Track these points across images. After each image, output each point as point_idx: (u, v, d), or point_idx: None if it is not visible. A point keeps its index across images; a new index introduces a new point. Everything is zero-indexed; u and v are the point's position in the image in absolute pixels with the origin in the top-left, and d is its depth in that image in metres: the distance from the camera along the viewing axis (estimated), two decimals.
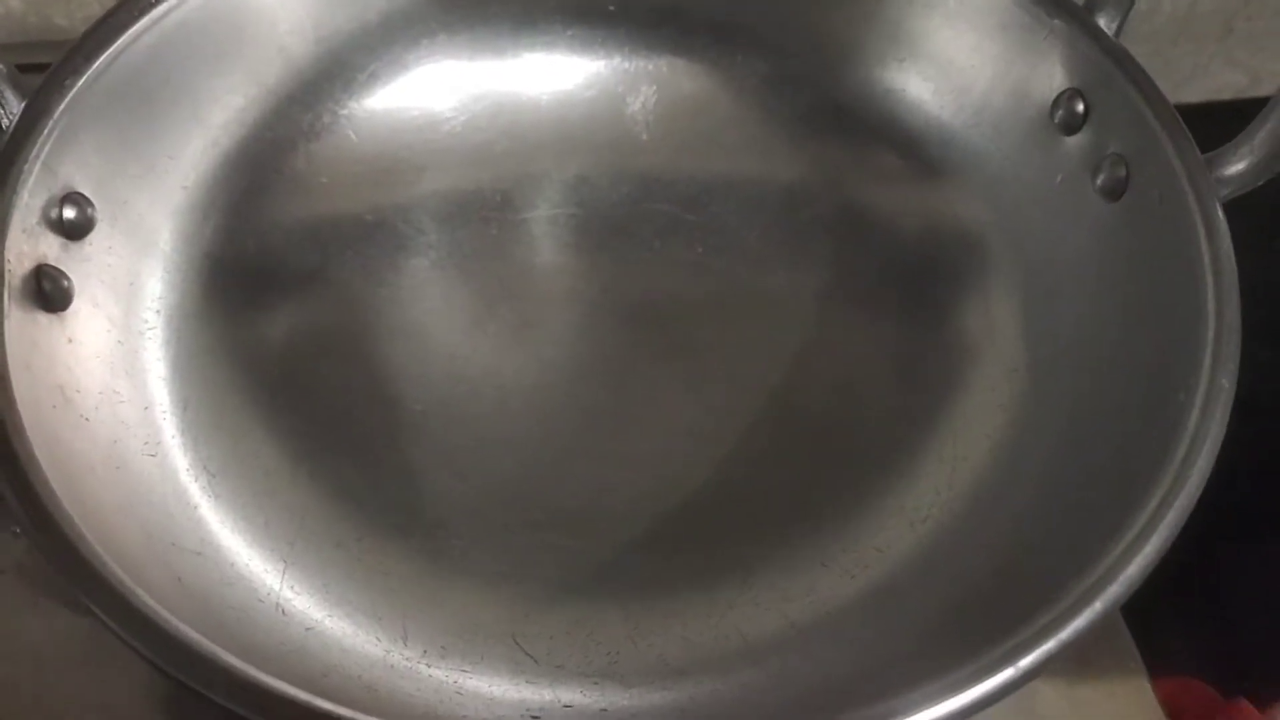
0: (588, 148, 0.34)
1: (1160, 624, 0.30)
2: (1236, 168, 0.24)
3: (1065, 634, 0.19)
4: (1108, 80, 0.27)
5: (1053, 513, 0.25)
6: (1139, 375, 0.25)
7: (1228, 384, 0.22)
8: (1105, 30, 0.28)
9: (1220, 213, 0.24)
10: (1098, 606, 0.19)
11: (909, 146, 0.32)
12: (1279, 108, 0.24)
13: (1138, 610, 0.29)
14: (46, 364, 0.24)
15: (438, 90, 0.34)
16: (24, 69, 0.26)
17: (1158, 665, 0.30)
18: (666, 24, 0.34)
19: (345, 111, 0.32)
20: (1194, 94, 0.54)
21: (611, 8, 0.34)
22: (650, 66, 0.34)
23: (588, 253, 0.33)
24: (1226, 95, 0.55)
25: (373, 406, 0.30)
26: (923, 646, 0.24)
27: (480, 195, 0.33)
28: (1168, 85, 0.57)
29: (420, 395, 0.30)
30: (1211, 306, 0.23)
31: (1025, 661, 0.19)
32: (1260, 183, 0.25)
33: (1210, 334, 0.22)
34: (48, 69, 0.31)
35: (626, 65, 0.34)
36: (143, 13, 0.27)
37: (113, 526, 0.22)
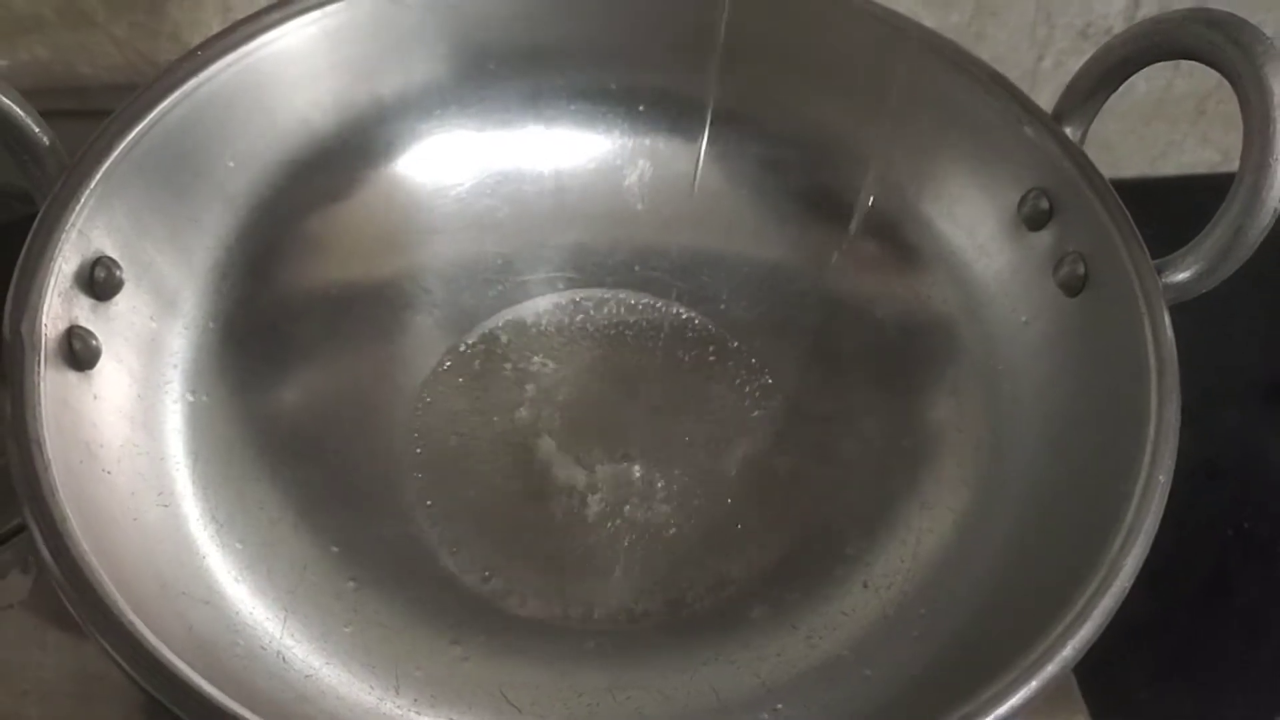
0: (586, 217, 0.36)
1: (1113, 680, 0.32)
2: (1183, 275, 0.27)
3: (1003, 710, 0.21)
4: (1071, 184, 0.29)
5: (1008, 585, 0.27)
6: (1089, 462, 0.27)
7: (1164, 479, 0.24)
8: (1070, 137, 0.30)
9: (1167, 317, 0.26)
10: (1034, 685, 0.21)
11: (887, 233, 0.34)
12: (1220, 223, 0.26)
13: (1091, 667, 0.30)
14: (75, 421, 0.25)
15: (448, 159, 0.36)
16: (48, 114, 0.27)
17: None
18: (664, 104, 0.36)
19: (360, 177, 0.34)
20: (1168, 168, 0.57)
21: (613, 86, 0.36)
22: (647, 143, 0.37)
23: (583, 314, 0.35)
24: (1200, 170, 0.57)
25: (375, 462, 0.31)
26: (884, 711, 0.25)
27: (484, 258, 0.35)
28: (1143, 161, 0.59)
29: (420, 452, 0.32)
30: (1154, 405, 0.25)
31: None
32: (1205, 290, 0.27)
33: (1151, 431, 0.24)
34: (77, 116, 0.32)
35: (625, 141, 0.37)
36: (176, 86, 0.29)
37: (131, 577, 0.23)
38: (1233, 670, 0.41)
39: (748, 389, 0.34)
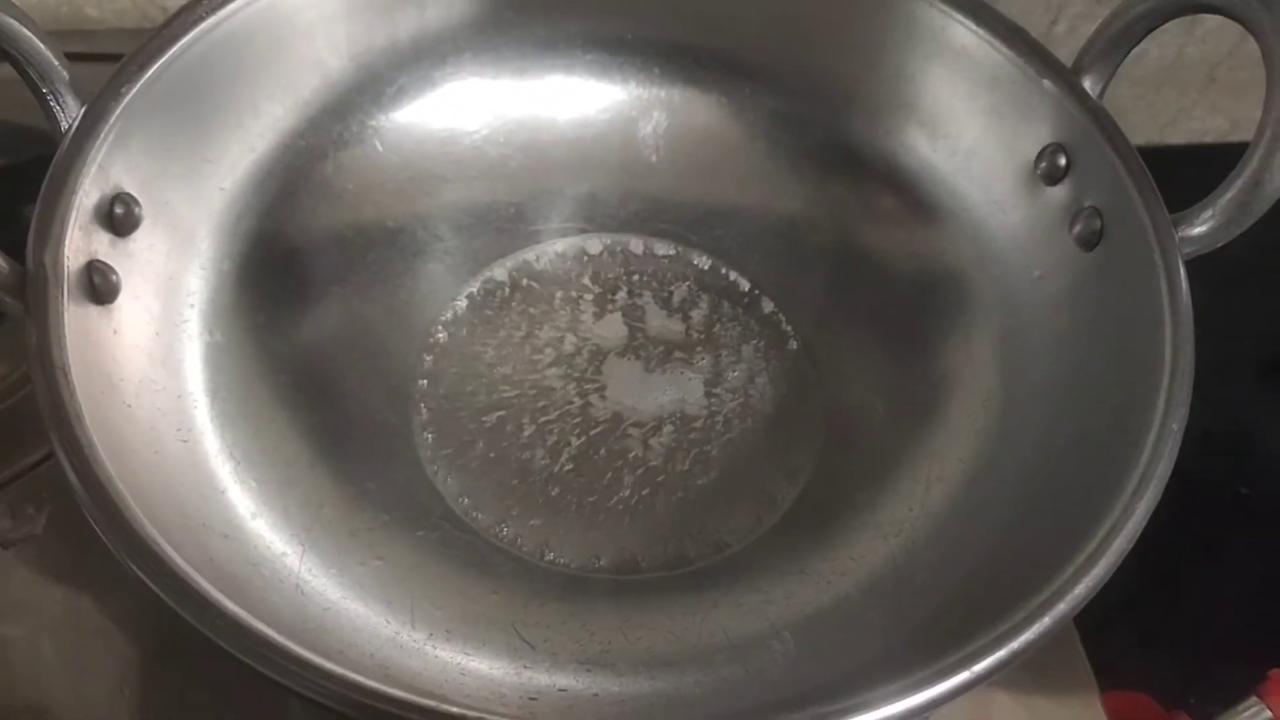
0: (599, 167, 0.36)
1: (1111, 641, 0.33)
2: (1200, 229, 0.27)
3: (1017, 644, 0.21)
4: (1088, 138, 0.29)
5: (1016, 532, 0.27)
6: (1100, 413, 0.27)
7: (1177, 427, 0.24)
8: (1090, 91, 0.30)
9: (1182, 269, 0.26)
10: (1046, 621, 0.21)
11: (904, 187, 0.34)
12: (1240, 177, 0.26)
13: (1091, 627, 0.31)
14: (96, 354, 0.25)
15: (461, 106, 0.35)
16: None
17: (1107, 679, 0.32)
18: (680, 56, 0.36)
19: (374, 123, 0.34)
20: (1177, 136, 0.57)
21: (629, 36, 0.36)
22: (663, 94, 0.36)
23: (595, 263, 0.36)
24: (1209, 139, 0.57)
25: (389, 403, 0.32)
26: (891, 651, 0.26)
27: (496, 207, 0.35)
28: (1152, 128, 0.59)
29: (433, 394, 0.32)
30: (1168, 355, 0.25)
31: (980, 666, 0.21)
32: (1220, 245, 0.27)
33: (1165, 380, 0.25)
34: (85, 59, 0.32)
35: (640, 92, 0.36)
36: (194, 25, 0.29)
37: (154, 506, 0.24)
38: (1226, 632, 0.42)
39: (761, 337, 0.34)
